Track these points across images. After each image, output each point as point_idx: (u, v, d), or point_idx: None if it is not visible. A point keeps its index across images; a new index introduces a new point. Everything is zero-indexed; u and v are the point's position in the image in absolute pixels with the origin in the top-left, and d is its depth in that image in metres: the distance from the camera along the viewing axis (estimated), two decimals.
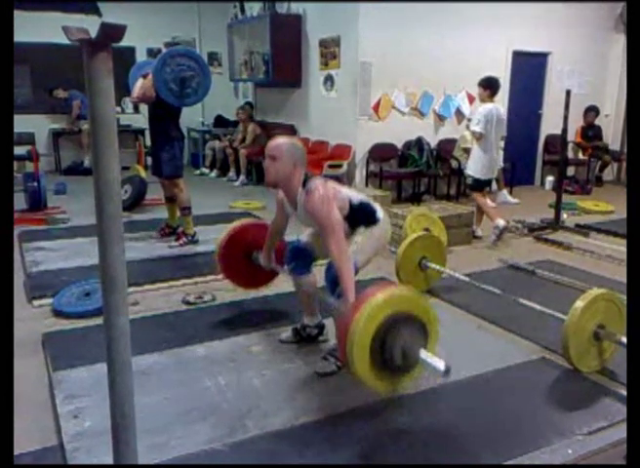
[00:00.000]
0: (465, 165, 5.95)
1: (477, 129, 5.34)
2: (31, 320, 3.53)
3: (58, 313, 3.61)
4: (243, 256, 3.38)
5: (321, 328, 3.19)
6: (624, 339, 2.72)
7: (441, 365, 2.14)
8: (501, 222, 5.36)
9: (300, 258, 3.01)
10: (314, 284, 3.05)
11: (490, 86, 5.39)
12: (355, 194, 2.89)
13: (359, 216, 2.82)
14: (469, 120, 6.11)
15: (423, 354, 2.21)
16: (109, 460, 1.47)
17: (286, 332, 3.23)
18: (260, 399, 2.63)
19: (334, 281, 2.67)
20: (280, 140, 2.76)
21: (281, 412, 2.52)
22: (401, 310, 2.25)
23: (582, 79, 8.35)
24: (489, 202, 6.09)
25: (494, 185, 7.50)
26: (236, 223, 3.47)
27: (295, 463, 2.19)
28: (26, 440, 2.27)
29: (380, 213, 2.91)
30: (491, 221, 5.46)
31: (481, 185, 5.61)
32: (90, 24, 1.27)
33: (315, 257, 3.04)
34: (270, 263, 3.27)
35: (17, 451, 2.05)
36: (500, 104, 5.88)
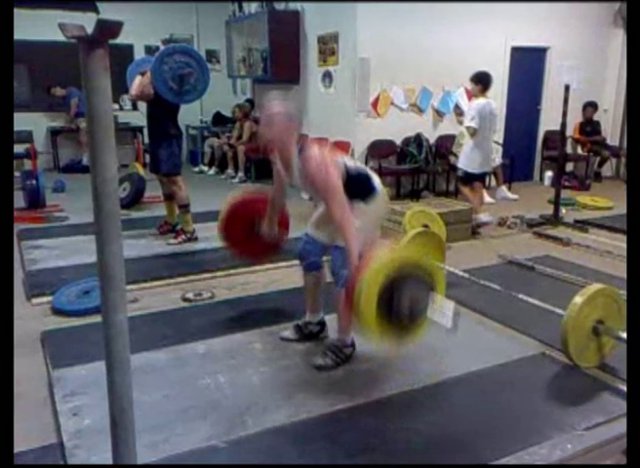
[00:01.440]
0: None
1: (472, 124, 5.36)
2: (30, 318, 3.54)
3: (57, 311, 3.61)
4: (246, 228, 3.33)
5: (322, 325, 3.20)
6: (624, 335, 2.73)
7: (450, 307, 2.17)
8: (485, 218, 5.50)
9: (312, 254, 3.02)
10: (324, 278, 3.08)
11: (481, 80, 5.41)
12: (352, 162, 2.84)
13: (357, 186, 2.73)
14: (461, 114, 6.12)
15: (431, 307, 2.28)
16: (109, 458, 1.47)
17: (287, 330, 3.23)
18: (260, 396, 2.63)
19: (338, 271, 2.70)
20: (275, 104, 2.71)
21: (280, 409, 2.52)
22: (407, 266, 2.30)
23: (581, 74, 8.33)
24: (487, 197, 6.08)
25: (493, 182, 7.52)
26: (237, 196, 3.42)
27: (295, 462, 2.18)
28: (26, 438, 2.27)
29: (378, 183, 2.85)
30: (476, 214, 5.56)
31: (471, 179, 5.64)
32: (87, 22, 1.26)
33: (324, 251, 3.03)
34: (273, 233, 3.25)
35: (16, 450, 2.05)
36: (498, 100, 5.88)
